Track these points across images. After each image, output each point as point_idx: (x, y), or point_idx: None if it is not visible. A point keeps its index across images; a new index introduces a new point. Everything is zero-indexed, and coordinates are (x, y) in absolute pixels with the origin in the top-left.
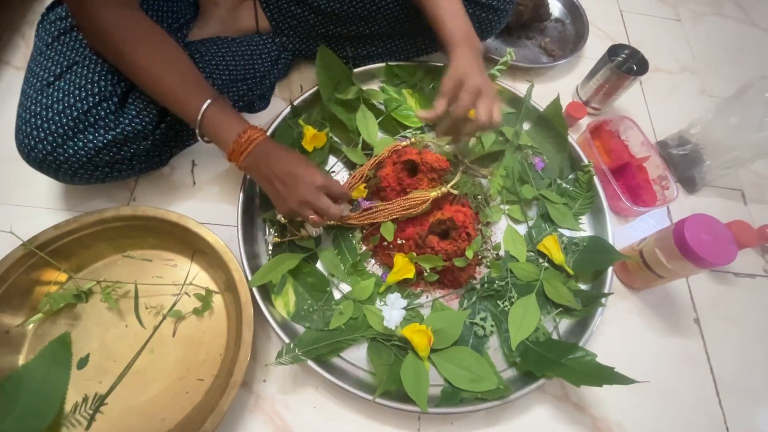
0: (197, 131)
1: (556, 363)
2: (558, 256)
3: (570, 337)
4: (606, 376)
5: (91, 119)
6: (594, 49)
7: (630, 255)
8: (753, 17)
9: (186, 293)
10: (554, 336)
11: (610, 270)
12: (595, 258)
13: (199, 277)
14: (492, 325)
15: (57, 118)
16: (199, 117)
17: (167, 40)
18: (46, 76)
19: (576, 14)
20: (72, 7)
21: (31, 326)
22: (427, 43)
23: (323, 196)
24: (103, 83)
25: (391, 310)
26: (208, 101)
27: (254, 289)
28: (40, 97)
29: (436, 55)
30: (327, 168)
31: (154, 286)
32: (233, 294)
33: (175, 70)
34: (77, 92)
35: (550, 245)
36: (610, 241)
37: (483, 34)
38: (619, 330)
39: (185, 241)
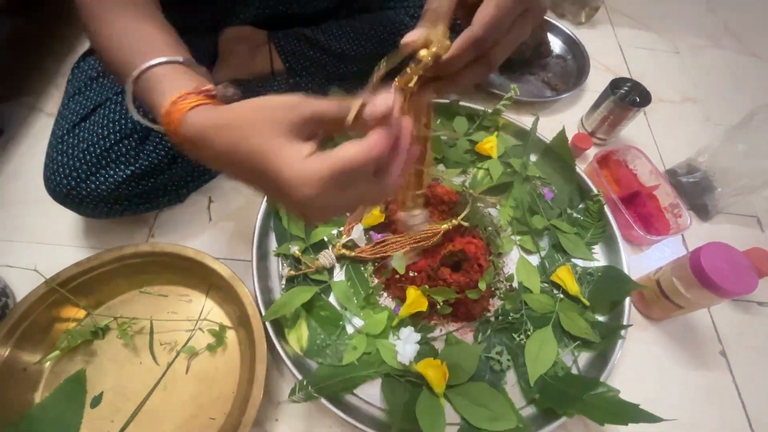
0: (129, 103)
1: (577, 399)
2: (573, 287)
3: (590, 371)
4: (631, 413)
5: (113, 155)
6: (596, 82)
7: (647, 285)
8: (752, 48)
9: (200, 329)
10: (574, 370)
11: (627, 300)
12: (611, 288)
13: (213, 312)
14: (508, 360)
15: (81, 155)
16: (131, 79)
17: (155, 11)
18: (73, 118)
19: (576, 50)
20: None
21: (48, 363)
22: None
23: (336, 191)
24: (124, 121)
25: (405, 345)
26: (158, 60)
27: (267, 324)
28: (66, 137)
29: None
30: None
31: (169, 322)
32: (246, 329)
33: (145, 30)
34: (101, 131)
35: (564, 276)
36: (626, 271)
37: None
38: (640, 363)
39: (201, 277)
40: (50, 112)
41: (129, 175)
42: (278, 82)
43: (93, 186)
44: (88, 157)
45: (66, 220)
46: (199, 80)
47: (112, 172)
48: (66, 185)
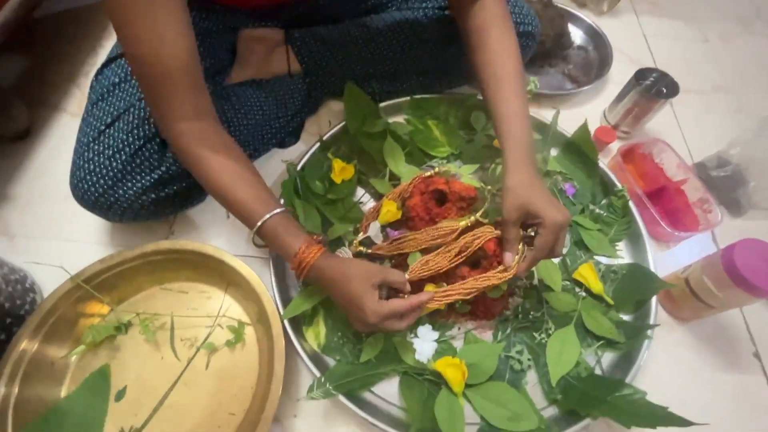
0: (252, 240)
1: (601, 401)
2: (596, 285)
3: (614, 372)
4: (659, 416)
5: (138, 161)
6: (619, 73)
7: (675, 283)
8: None
9: (219, 325)
10: (597, 371)
11: (653, 299)
12: (636, 287)
13: (232, 309)
14: (529, 359)
15: (108, 162)
16: (257, 226)
17: (237, 153)
18: (97, 125)
19: (599, 41)
20: (156, 121)
21: (74, 358)
22: (451, 79)
23: (382, 324)
24: (146, 126)
25: (423, 343)
26: (270, 214)
27: (285, 321)
28: (92, 145)
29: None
30: (355, 199)
31: (189, 318)
32: (265, 326)
33: (244, 183)
34: (125, 137)
35: (587, 273)
36: (651, 269)
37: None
38: (668, 365)
39: (220, 274)
40: (74, 112)
41: (156, 179)
42: (294, 81)
43: (121, 192)
44: (114, 164)
45: (89, 218)
46: (302, 230)
47: (138, 177)
48: (94, 192)
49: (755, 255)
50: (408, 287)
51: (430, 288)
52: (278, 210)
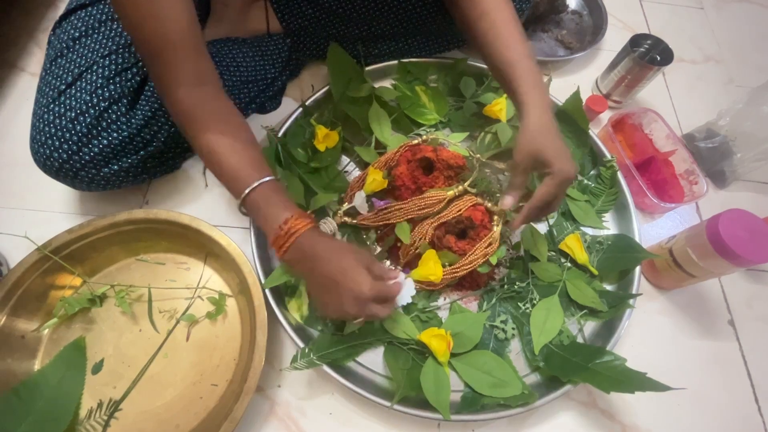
0: (239, 208)
1: (582, 368)
2: (581, 256)
3: (596, 340)
4: (638, 382)
5: (104, 123)
6: (613, 40)
7: (659, 254)
8: None
9: (199, 297)
10: (579, 339)
11: (637, 270)
12: (621, 257)
13: (213, 280)
14: (513, 328)
15: (71, 125)
16: (244, 194)
17: (236, 120)
18: (57, 84)
19: (594, 5)
20: (155, 86)
21: (46, 331)
22: (440, 43)
23: (369, 305)
24: (112, 86)
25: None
26: (258, 182)
27: (268, 292)
28: (52, 106)
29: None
30: (339, 168)
31: (168, 290)
32: (246, 297)
33: (236, 151)
34: (88, 98)
35: (573, 244)
36: (637, 239)
37: None
38: (647, 332)
39: (198, 244)
40: (33, 71)
41: (126, 144)
42: (275, 42)
43: (87, 158)
44: (78, 127)
45: (56, 186)
46: (293, 202)
47: (106, 142)
48: (57, 159)
49: (738, 225)
50: (392, 275)
51: (431, 255)
52: (268, 178)
